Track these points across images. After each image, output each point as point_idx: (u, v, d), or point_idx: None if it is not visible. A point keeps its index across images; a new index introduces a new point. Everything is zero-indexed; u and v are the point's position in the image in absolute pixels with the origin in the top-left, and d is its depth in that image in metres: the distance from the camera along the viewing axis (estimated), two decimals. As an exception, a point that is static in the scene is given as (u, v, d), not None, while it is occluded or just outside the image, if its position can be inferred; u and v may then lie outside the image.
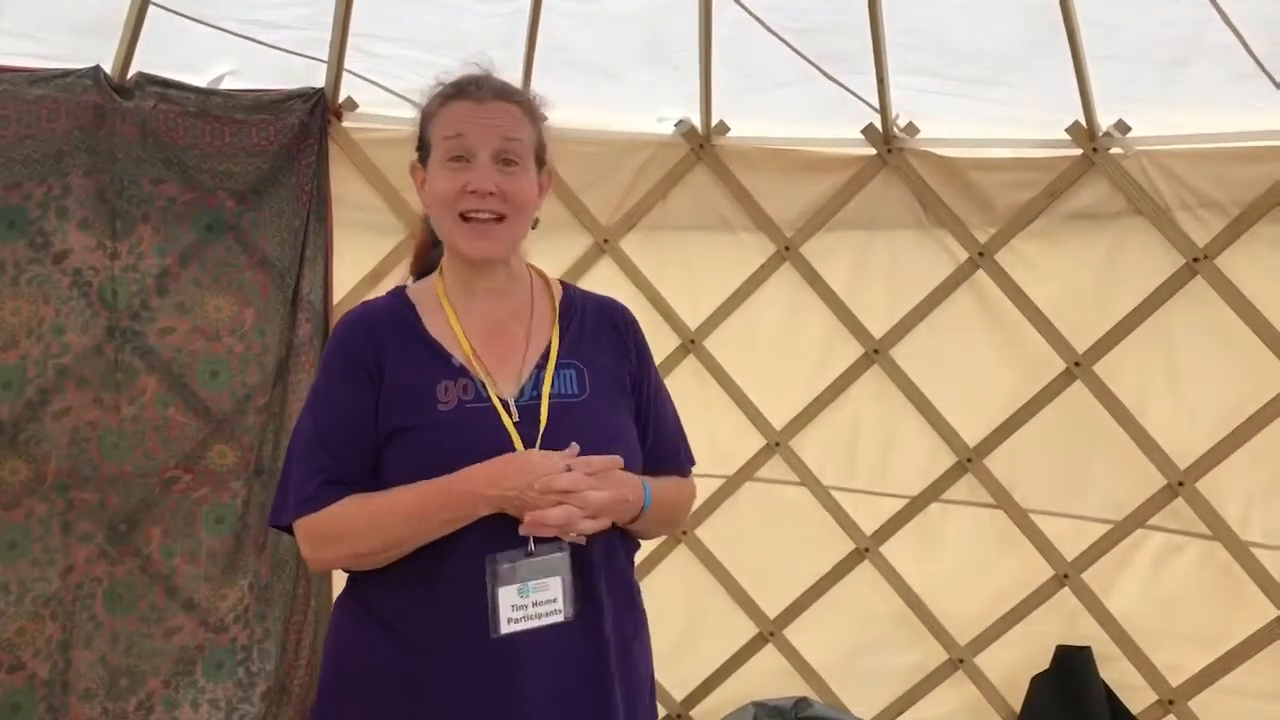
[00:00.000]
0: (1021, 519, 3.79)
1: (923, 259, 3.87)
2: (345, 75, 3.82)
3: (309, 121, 3.85)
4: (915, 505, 3.92)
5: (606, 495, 1.78)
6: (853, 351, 3.95)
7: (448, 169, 1.83)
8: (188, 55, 3.58)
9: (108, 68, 3.51)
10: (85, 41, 3.42)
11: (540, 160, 1.95)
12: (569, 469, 1.73)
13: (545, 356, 1.88)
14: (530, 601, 1.80)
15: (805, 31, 3.59)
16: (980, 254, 3.79)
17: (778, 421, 4.01)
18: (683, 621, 4.02)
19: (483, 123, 1.84)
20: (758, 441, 4.03)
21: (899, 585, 3.93)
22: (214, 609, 3.74)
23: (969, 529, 3.88)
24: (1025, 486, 3.80)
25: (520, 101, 1.93)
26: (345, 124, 3.91)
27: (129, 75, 3.58)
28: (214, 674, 3.75)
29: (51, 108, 3.44)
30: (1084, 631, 3.73)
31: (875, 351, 3.92)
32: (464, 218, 1.82)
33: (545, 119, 2.01)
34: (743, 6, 3.57)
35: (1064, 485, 3.77)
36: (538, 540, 1.79)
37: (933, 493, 3.90)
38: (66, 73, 3.46)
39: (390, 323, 1.89)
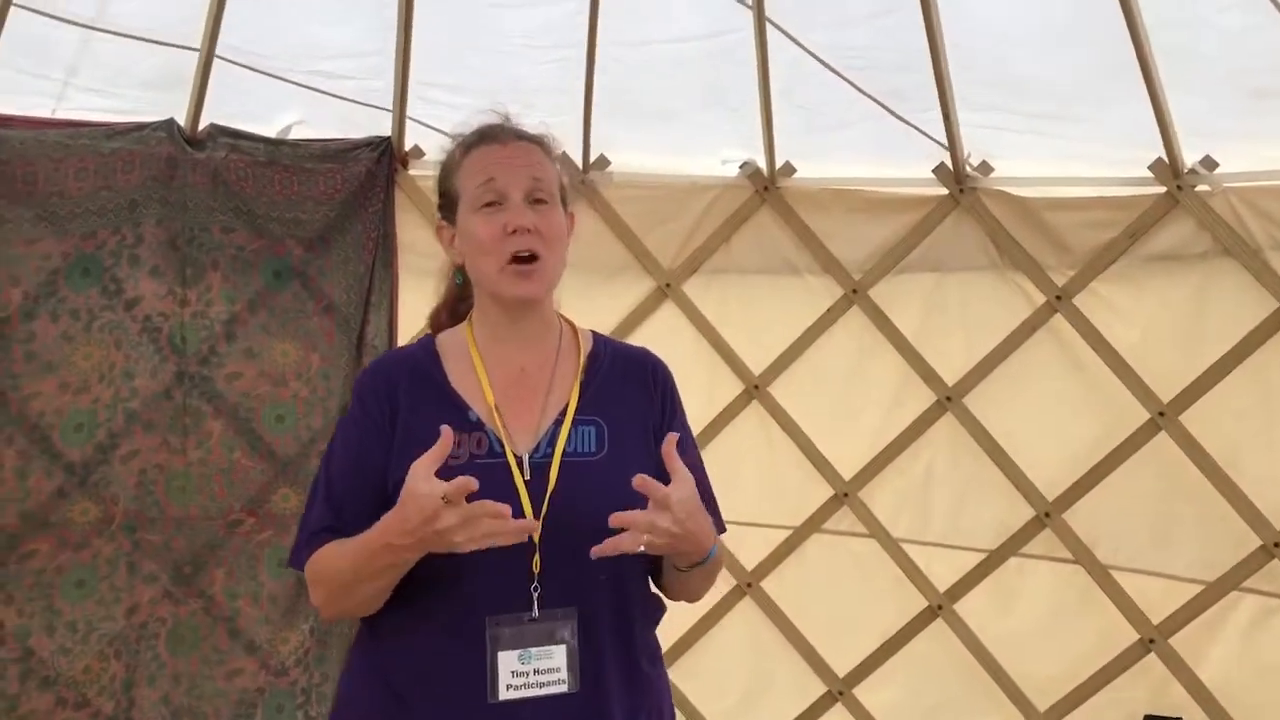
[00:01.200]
0: (1104, 577, 3.57)
1: (997, 302, 3.71)
2: (409, 123, 3.87)
3: (376, 169, 3.91)
4: (991, 560, 3.73)
5: (682, 531, 1.66)
6: (924, 398, 3.80)
7: (483, 214, 1.80)
8: (254, 107, 3.67)
9: (178, 118, 3.61)
10: (156, 94, 3.54)
11: (563, 201, 1.91)
12: (445, 497, 1.59)
13: (564, 412, 1.83)
14: (531, 669, 1.72)
15: (867, 69, 3.50)
16: (1058, 297, 3.61)
17: (846, 471, 3.88)
18: (746, 679, 3.91)
19: (510, 164, 1.82)
20: (825, 492, 3.90)
21: (974, 644, 3.73)
22: (275, 652, 3.77)
23: (1048, 586, 3.67)
24: (1108, 542, 3.58)
25: (540, 142, 1.89)
26: (411, 171, 3.97)
27: (201, 127, 3.69)
28: (274, 717, 3.77)
29: (127, 160, 3.56)
30: (1173, 700, 3.49)
31: (948, 399, 3.76)
32: (509, 261, 1.79)
33: (563, 158, 1.97)
34: (801, 46, 3.50)
35: (1150, 542, 3.54)
36: (544, 603, 1.72)
37: (1010, 547, 3.71)
38: (141, 126, 3.59)
39: (410, 372, 1.86)
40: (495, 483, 1.70)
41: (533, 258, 1.79)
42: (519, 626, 1.71)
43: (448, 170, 1.89)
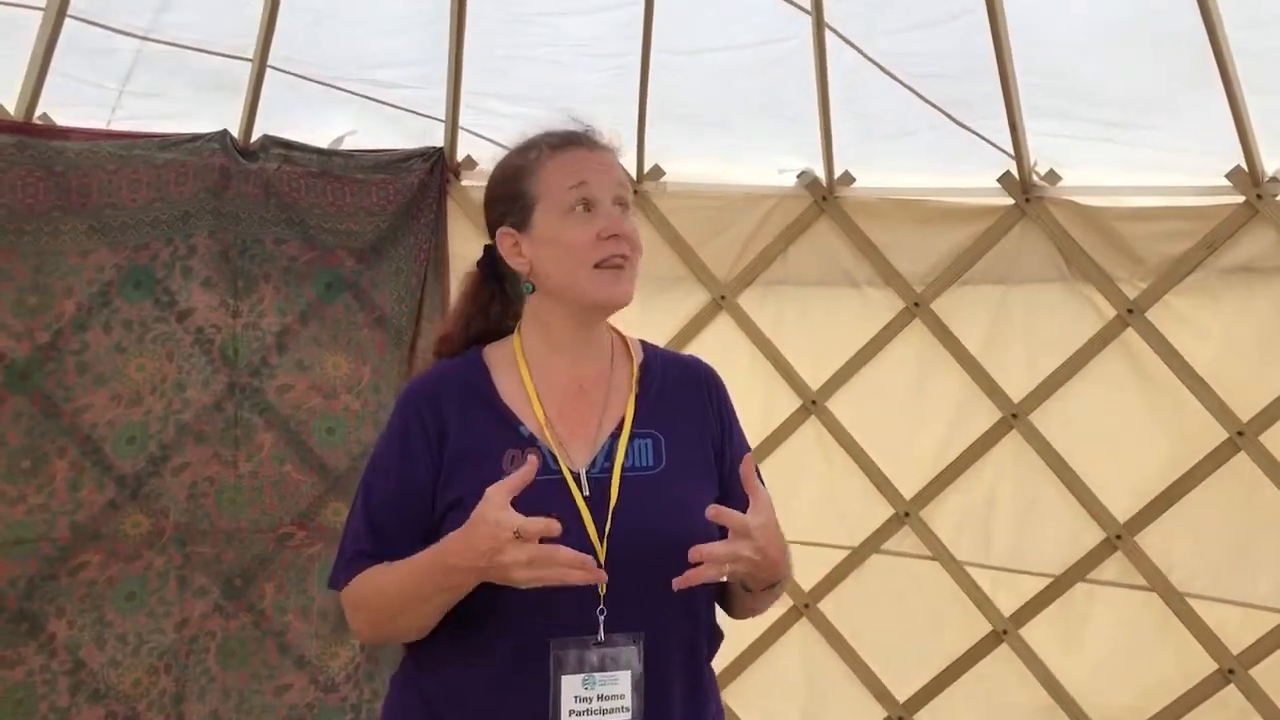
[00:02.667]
0: (1179, 604, 3.41)
1: (1065, 316, 3.57)
2: (461, 133, 3.84)
3: (428, 180, 3.89)
4: (1059, 585, 3.59)
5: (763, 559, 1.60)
6: (989, 415, 3.67)
7: (574, 217, 1.73)
8: (307, 117, 3.66)
9: (231, 123, 3.61)
10: (209, 97, 3.53)
11: None
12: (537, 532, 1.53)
13: (620, 425, 1.76)
14: (595, 695, 1.64)
15: (928, 77, 3.41)
16: (1130, 311, 3.47)
17: (907, 490, 3.76)
18: (802, 703, 3.82)
19: (600, 169, 1.77)
20: (885, 511, 3.79)
21: (1041, 672, 3.59)
22: (325, 667, 3.74)
23: (1120, 613, 3.52)
24: (1183, 568, 3.43)
25: (617, 149, 1.85)
26: (464, 182, 3.93)
27: (254, 138, 3.68)
28: (323, 733, 3.74)
29: (180, 171, 3.55)
30: (1255, 735, 3.32)
31: (1014, 416, 3.63)
32: (599, 266, 1.72)
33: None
34: (861, 53, 3.41)
35: (1228, 568, 3.38)
36: (608, 628, 1.64)
37: (1078, 572, 3.56)
38: (195, 137, 3.58)
39: (457, 387, 1.79)
40: (551, 500, 1.64)
41: (627, 263, 1.74)
42: (583, 650, 1.64)
43: (523, 173, 1.79)
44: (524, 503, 1.59)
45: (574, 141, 1.79)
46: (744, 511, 1.60)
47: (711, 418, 1.83)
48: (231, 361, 3.64)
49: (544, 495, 1.64)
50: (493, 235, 1.82)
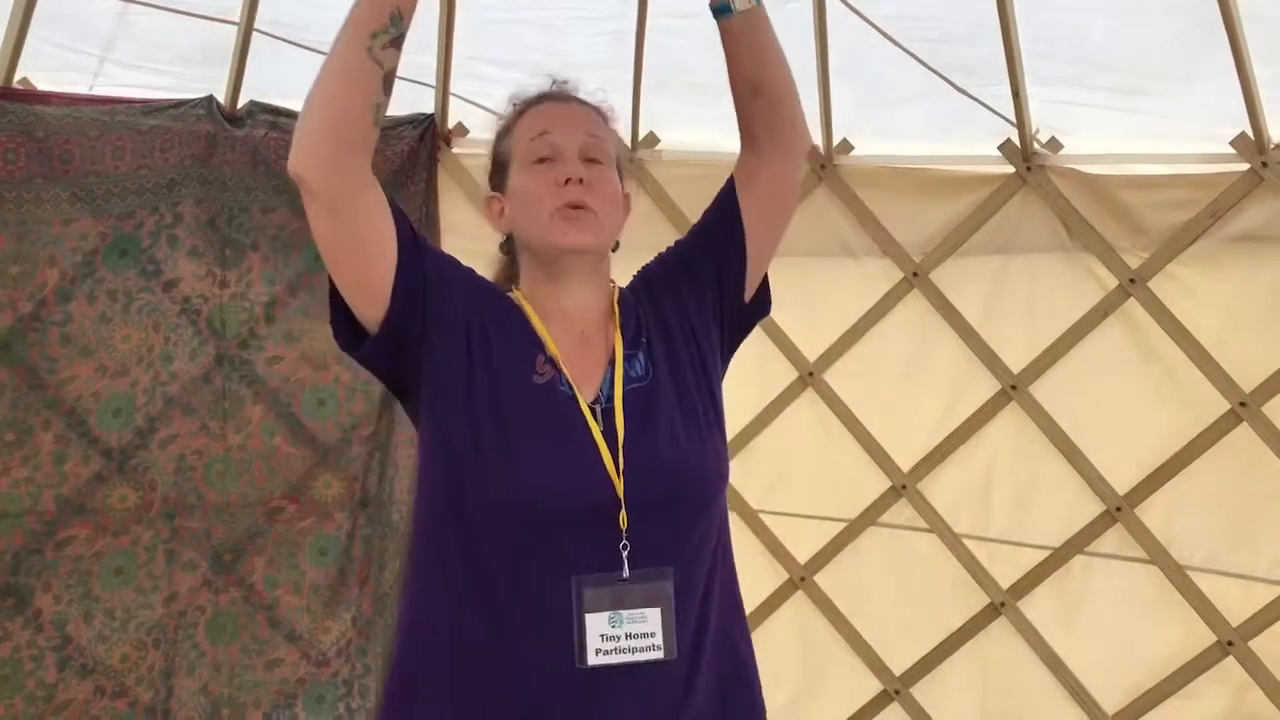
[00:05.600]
0: (1179, 577, 3.39)
1: (1066, 286, 3.53)
2: (452, 100, 3.76)
3: (419, 148, 3.81)
4: (1057, 557, 3.56)
5: None
6: (988, 387, 3.63)
7: (535, 169, 1.71)
8: (295, 82, 3.56)
9: (217, 89, 3.52)
10: (195, 70, 3.45)
11: (619, 174, 1.80)
12: None
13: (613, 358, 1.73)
14: (624, 633, 1.59)
15: (931, 42, 3.34)
16: (1132, 280, 3.42)
17: (905, 462, 3.72)
18: (798, 676, 3.77)
19: (567, 119, 1.74)
20: (883, 483, 3.75)
21: (1039, 645, 3.58)
22: (316, 642, 3.70)
23: (1119, 586, 3.50)
24: (1184, 540, 3.40)
25: (598, 108, 1.81)
26: (455, 150, 3.86)
27: (240, 104, 3.59)
28: (314, 708, 3.70)
29: (165, 138, 3.46)
30: (1254, 708, 3.31)
31: (1013, 387, 3.59)
32: (557, 212, 1.68)
33: (618, 134, 1.86)
34: (863, 17, 3.34)
35: (1229, 540, 3.35)
36: (633, 564, 1.59)
37: (1077, 544, 3.54)
38: (180, 103, 3.49)
39: (497, 292, 1.75)
40: (569, 417, 1.63)
41: (591, 211, 1.68)
42: (608, 587, 1.58)
43: (500, 135, 1.80)
44: (544, 404, 1.62)
45: (544, 98, 1.78)
46: None
47: (667, 299, 1.77)
48: (219, 332, 3.57)
49: (564, 410, 1.63)
50: (486, 211, 1.82)
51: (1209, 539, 3.37)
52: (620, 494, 1.59)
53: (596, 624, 1.58)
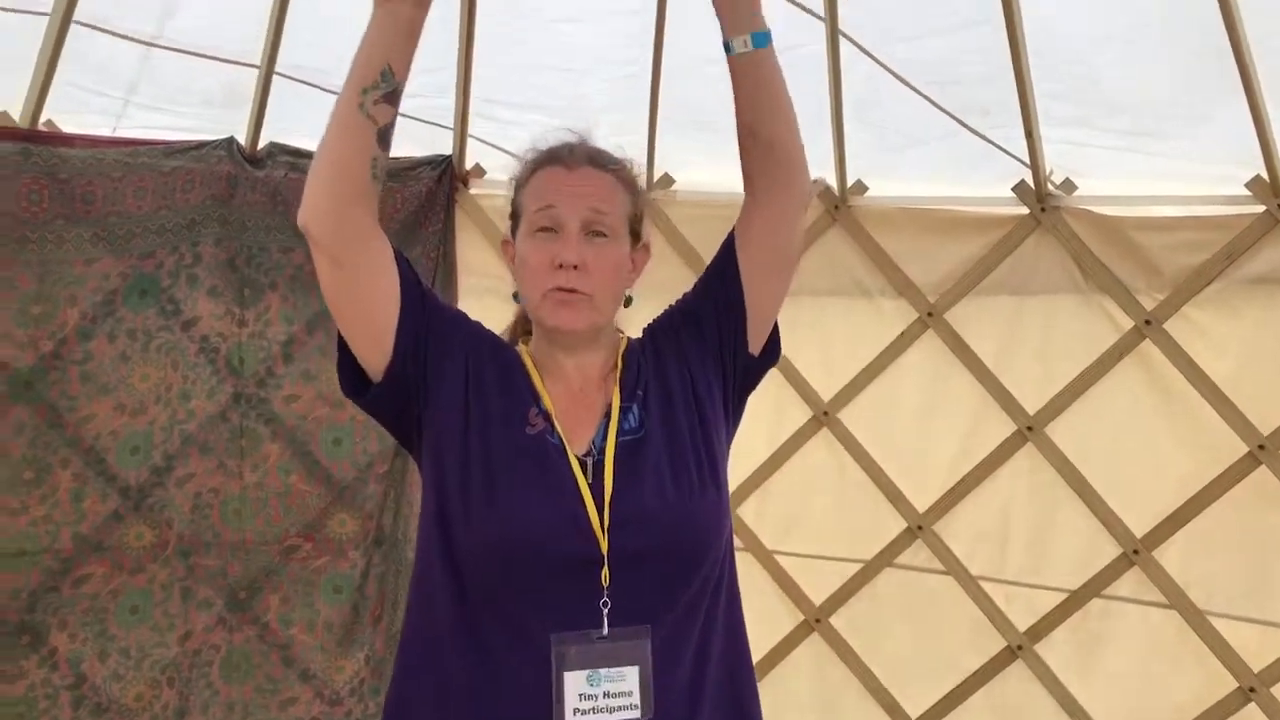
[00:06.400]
0: (1198, 621, 3.35)
1: (1081, 327, 3.52)
2: (471, 141, 3.80)
3: (436, 189, 3.85)
4: (1075, 600, 3.53)
5: None
6: (1003, 428, 3.62)
7: (536, 240, 1.72)
8: (315, 123, 3.61)
9: (238, 131, 3.56)
10: (216, 111, 3.50)
11: (636, 234, 1.79)
12: None
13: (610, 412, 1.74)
14: (601, 692, 1.60)
15: (944, 84, 3.36)
16: (1147, 322, 3.41)
17: (920, 503, 3.71)
18: (814, 718, 3.74)
19: (572, 191, 1.72)
20: (898, 524, 3.73)
21: (1056, 689, 3.54)
22: (330, 681, 3.70)
23: (1137, 631, 3.46)
24: (1202, 585, 3.37)
25: (615, 170, 1.79)
26: (472, 190, 3.89)
27: (260, 145, 3.64)
28: (327, 748, 3.69)
29: (186, 178, 3.51)
30: (1275, 754, 3.26)
31: (1029, 429, 3.57)
32: (549, 293, 1.70)
33: (641, 189, 1.86)
34: (876, 60, 3.36)
35: (1248, 585, 3.32)
36: (613, 621, 1.60)
37: (1094, 587, 3.51)
38: (202, 144, 3.54)
39: (501, 347, 1.78)
40: (557, 468, 1.64)
41: (585, 294, 1.69)
42: (587, 645, 1.59)
43: (517, 186, 1.81)
44: (534, 454, 1.63)
45: (555, 159, 1.76)
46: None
47: (669, 352, 1.77)
48: (237, 371, 3.59)
49: (553, 463, 1.64)
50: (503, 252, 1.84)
51: (1227, 583, 3.34)
52: (603, 549, 1.60)
53: (575, 682, 1.59)
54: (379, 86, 1.56)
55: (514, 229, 1.79)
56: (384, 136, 1.58)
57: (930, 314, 3.68)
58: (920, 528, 3.70)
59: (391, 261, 1.63)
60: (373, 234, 1.61)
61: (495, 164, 3.85)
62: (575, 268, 1.67)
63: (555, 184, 1.73)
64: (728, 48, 1.69)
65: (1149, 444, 3.45)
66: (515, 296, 1.81)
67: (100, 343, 3.38)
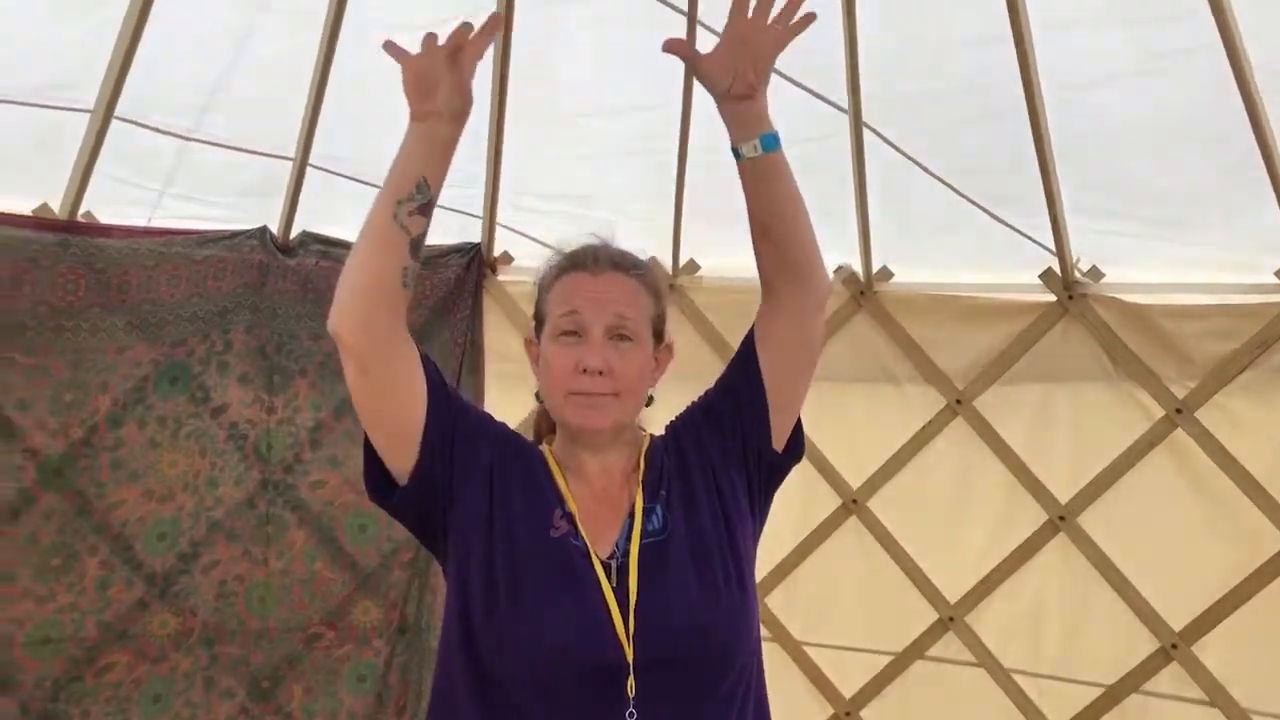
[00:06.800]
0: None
1: (1112, 415, 3.49)
2: (499, 229, 3.85)
3: (465, 275, 3.89)
4: (1111, 696, 3.45)
5: None
6: (1035, 517, 3.58)
7: (560, 344, 1.73)
8: (348, 213, 3.67)
9: (271, 225, 3.62)
10: (249, 201, 3.56)
11: (659, 334, 1.80)
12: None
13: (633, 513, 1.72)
14: None
15: (969, 172, 3.38)
16: (1179, 410, 3.38)
17: (951, 594, 3.66)
18: (845, 814, 3.65)
19: (596, 297, 1.74)
20: (929, 616, 3.68)
21: (1094, 787, 3.45)
22: (352, 773, 3.64)
23: (1178, 728, 3.38)
24: (1246, 681, 3.29)
25: (638, 274, 1.80)
26: (500, 277, 3.93)
27: (293, 234, 3.69)
28: (349, 840, 3.62)
29: (219, 267, 3.56)
30: None
31: (1061, 518, 3.53)
32: (571, 395, 1.70)
33: (664, 290, 1.87)
34: (899, 150, 3.39)
35: (1293, 681, 3.24)
36: (640, 707, 1.56)
37: (1132, 682, 3.43)
38: (235, 233, 3.60)
39: (525, 448, 1.78)
40: (581, 572, 1.62)
41: (611, 395, 1.69)
42: None
43: (541, 290, 1.82)
44: (557, 557, 1.61)
45: (578, 264, 1.78)
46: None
47: (691, 450, 1.76)
48: (265, 457, 3.61)
49: (578, 567, 1.63)
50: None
51: (1271, 680, 3.25)
52: (629, 656, 1.57)
53: None
54: (414, 199, 1.59)
55: (538, 330, 1.80)
56: (416, 247, 1.60)
57: (959, 401, 3.66)
58: (952, 619, 3.64)
59: (418, 365, 1.64)
60: (401, 340, 1.62)
61: (523, 251, 3.90)
62: (600, 373, 1.68)
63: (579, 289, 1.74)
64: (737, 153, 1.69)
65: (1185, 534, 3.40)
66: (537, 396, 1.81)
67: (130, 429, 3.40)
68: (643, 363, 1.73)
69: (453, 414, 1.67)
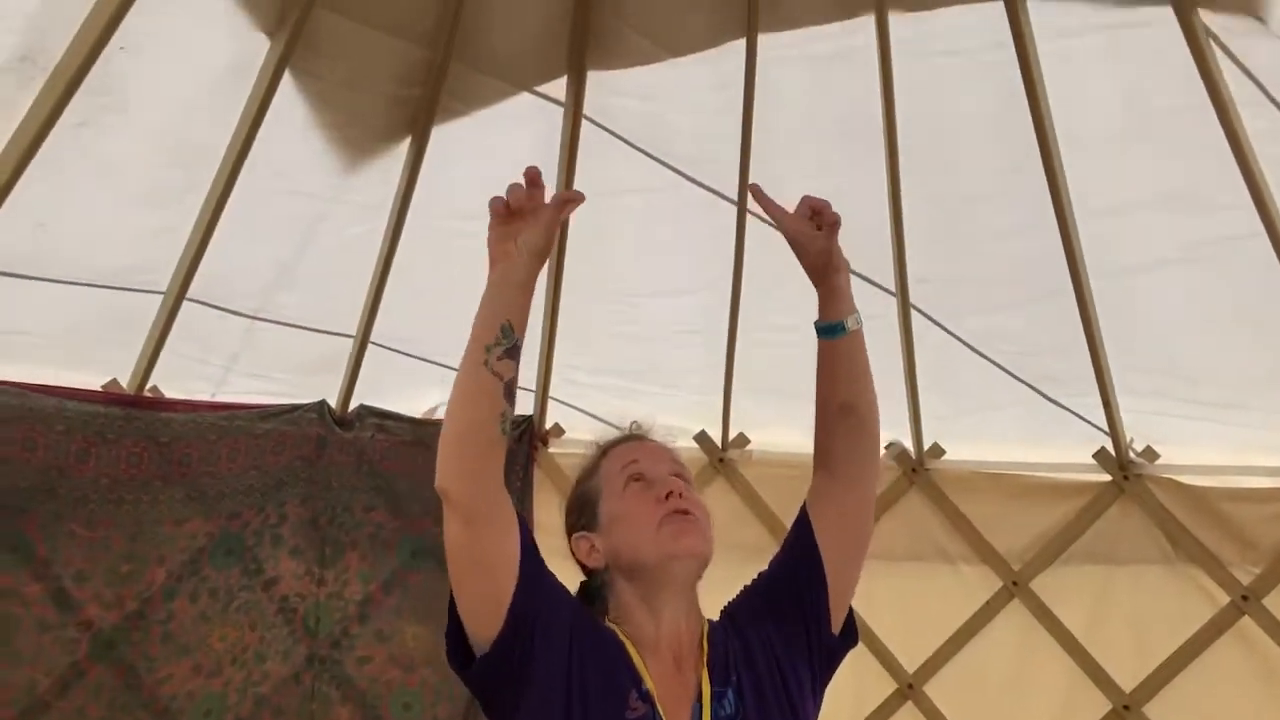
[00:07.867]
0: None
1: (1174, 599, 3.40)
2: (550, 402, 3.90)
3: (516, 448, 3.92)
4: None
5: None
6: (1097, 704, 3.45)
7: (631, 490, 1.75)
8: (404, 387, 3.76)
9: (330, 398, 3.71)
10: (310, 378, 3.65)
11: None
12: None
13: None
14: None
15: (1020, 354, 3.40)
16: (1244, 598, 3.29)
17: (1013, 784, 3.51)
18: None
19: (651, 452, 1.80)
20: (991, 805, 3.52)
21: None
22: None
23: None
24: None
25: (671, 446, 1.86)
26: (550, 449, 3.96)
27: (350, 407, 3.77)
28: None
29: (278, 441, 3.64)
30: None
31: (1125, 707, 3.40)
32: (664, 523, 1.69)
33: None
34: (948, 332, 3.43)
35: None
36: None
37: None
38: (295, 408, 3.69)
39: (598, 622, 1.74)
40: None
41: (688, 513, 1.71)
42: None
43: (585, 479, 1.83)
44: None
45: (625, 438, 1.84)
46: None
47: (754, 637, 1.73)
48: (313, 632, 3.60)
49: None
50: (573, 551, 1.81)
51: None
52: None
53: None
54: (500, 343, 1.61)
55: (586, 521, 1.79)
56: (509, 391, 1.62)
57: (1015, 582, 3.59)
58: (1014, 811, 3.49)
59: (515, 522, 1.65)
60: (502, 491, 1.64)
61: (573, 424, 3.94)
62: (683, 496, 1.70)
63: (634, 450, 1.79)
64: (834, 329, 1.74)
65: (1256, 725, 3.26)
66: (583, 587, 1.79)
67: (182, 602, 3.43)
68: (702, 502, 1.75)
69: (542, 578, 1.65)
